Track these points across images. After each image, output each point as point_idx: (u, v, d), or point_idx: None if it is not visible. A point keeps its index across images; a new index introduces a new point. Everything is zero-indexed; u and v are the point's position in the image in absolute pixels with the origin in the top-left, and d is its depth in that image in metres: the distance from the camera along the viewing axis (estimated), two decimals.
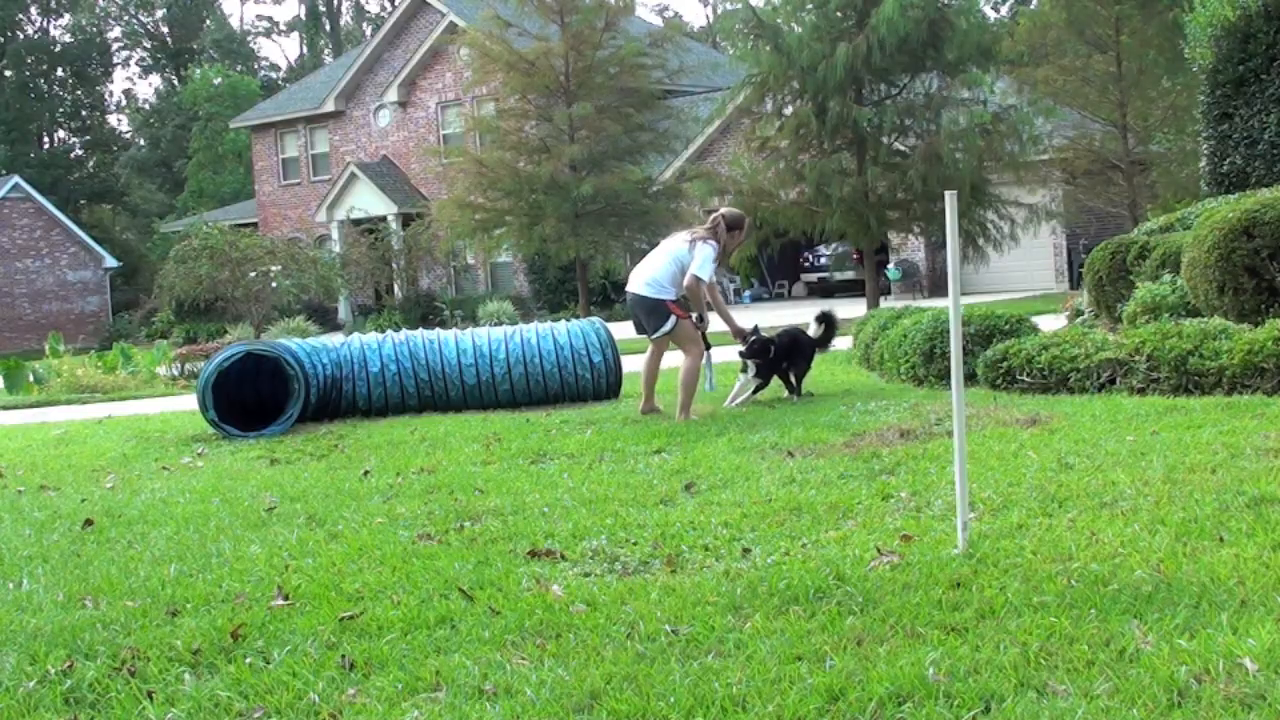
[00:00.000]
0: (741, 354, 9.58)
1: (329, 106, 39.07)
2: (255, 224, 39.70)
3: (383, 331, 12.05)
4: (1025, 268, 27.92)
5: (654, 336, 9.12)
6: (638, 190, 26.26)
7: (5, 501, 7.49)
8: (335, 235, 37.08)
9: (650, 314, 9.03)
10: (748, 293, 35.15)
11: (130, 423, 12.25)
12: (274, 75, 68.82)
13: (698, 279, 8.88)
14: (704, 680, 3.40)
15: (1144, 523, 4.67)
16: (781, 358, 9.66)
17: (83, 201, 56.76)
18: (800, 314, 23.77)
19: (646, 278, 9.03)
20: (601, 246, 26.69)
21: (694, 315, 9.06)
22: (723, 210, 9.32)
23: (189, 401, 13.28)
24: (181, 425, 11.38)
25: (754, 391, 9.64)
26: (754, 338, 9.57)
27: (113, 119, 70.29)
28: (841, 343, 14.33)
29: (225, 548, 5.52)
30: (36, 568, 5.40)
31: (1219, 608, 3.66)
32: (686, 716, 3.22)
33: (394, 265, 36.57)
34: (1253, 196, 10.24)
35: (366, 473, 7.46)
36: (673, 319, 8.95)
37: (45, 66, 64.42)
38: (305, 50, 71.95)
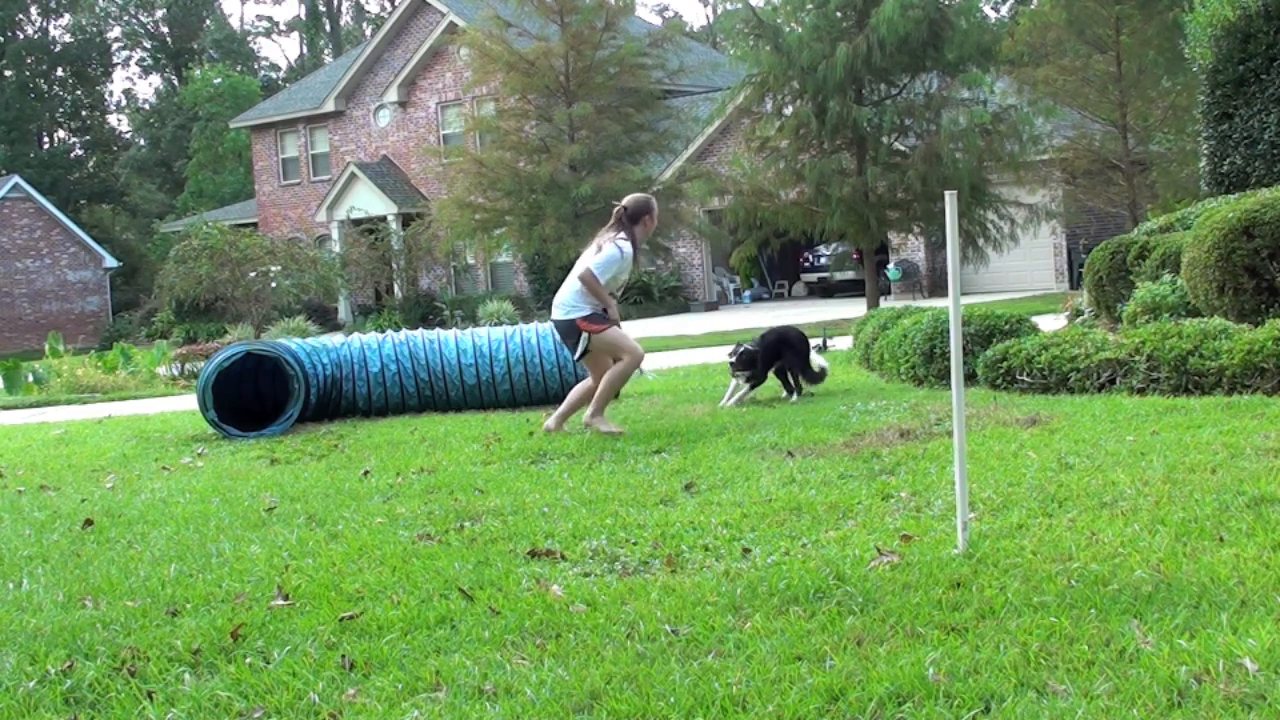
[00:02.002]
0: (732, 364, 9.62)
1: (329, 106, 39.07)
2: (255, 224, 39.69)
3: (383, 331, 12.04)
4: (1025, 268, 27.93)
5: (576, 359, 8.72)
6: (638, 190, 26.25)
7: (5, 501, 7.49)
8: (335, 235, 37.08)
9: (566, 336, 8.63)
10: (748, 293, 35.11)
11: (130, 423, 12.25)
12: (274, 75, 68.80)
13: (590, 271, 8.36)
14: (704, 680, 3.40)
15: (1144, 523, 4.67)
16: (771, 358, 9.67)
17: (83, 201, 56.71)
18: (800, 314, 23.83)
19: (559, 301, 8.58)
20: None
21: (603, 311, 8.49)
22: (625, 201, 8.69)
23: (189, 401, 13.29)
24: (181, 425, 11.38)
25: (750, 389, 9.65)
26: (742, 349, 9.59)
27: (113, 119, 70.39)
28: (842, 342, 14.40)
29: (225, 548, 5.51)
30: (36, 568, 5.40)
31: (1219, 608, 3.66)
32: (686, 716, 3.22)
33: (394, 265, 36.57)
34: (1253, 196, 10.23)
35: (366, 473, 7.46)
36: (584, 337, 8.43)
37: (45, 66, 64.40)
38: (305, 50, 71.97)
